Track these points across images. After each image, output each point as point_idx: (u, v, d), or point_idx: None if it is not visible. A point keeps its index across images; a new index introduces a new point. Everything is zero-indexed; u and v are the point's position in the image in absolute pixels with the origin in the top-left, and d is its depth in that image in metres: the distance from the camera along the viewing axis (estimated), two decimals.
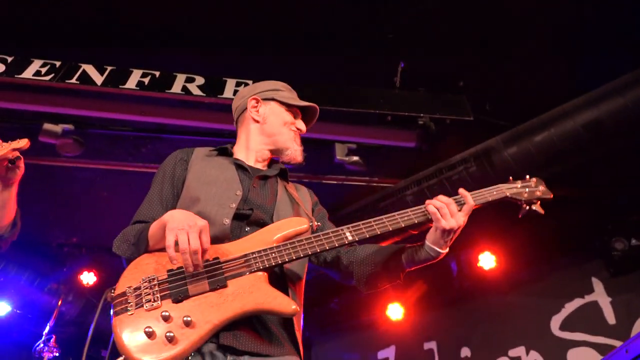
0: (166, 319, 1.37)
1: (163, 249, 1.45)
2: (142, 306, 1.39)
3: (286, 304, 1.44)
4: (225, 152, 1.91)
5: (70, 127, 3.98)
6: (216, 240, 1.56)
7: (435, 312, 5.48)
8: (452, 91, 4.08)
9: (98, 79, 3.69)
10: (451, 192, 4.44)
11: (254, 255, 1.51)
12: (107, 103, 3.82)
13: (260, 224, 1.67)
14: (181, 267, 1.46)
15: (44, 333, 4.91)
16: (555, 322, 4.61)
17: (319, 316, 6.18)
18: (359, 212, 4.67)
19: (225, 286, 1.45)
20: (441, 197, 1.66)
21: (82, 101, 3.87)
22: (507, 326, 4.91)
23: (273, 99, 1.96)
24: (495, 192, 1.75)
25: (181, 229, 1.41)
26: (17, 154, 2.06)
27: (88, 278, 5.43)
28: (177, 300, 1.41)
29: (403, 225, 1.66)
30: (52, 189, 4.72)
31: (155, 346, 1.33)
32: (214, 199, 1.67)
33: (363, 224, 1.64)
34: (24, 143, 2.06)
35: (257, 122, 1.94)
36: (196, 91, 3.73)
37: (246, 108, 1.97)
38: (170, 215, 1.49)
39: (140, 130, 4.16)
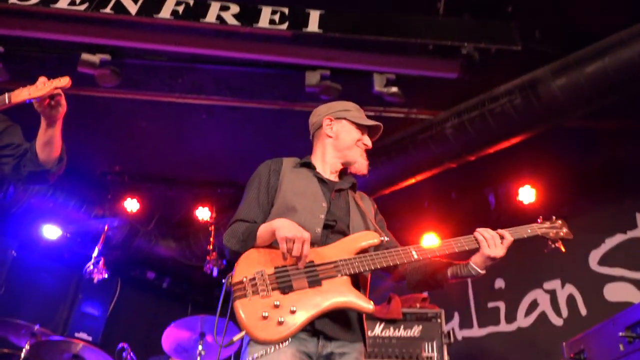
0: (277, 306, 1.76)
1: (267, 247, 1.89)
2: (258, 294, 1.78)
3: (366, 303, 1.84)
4: (308, 165, 2.24)
5: (107, 57, 3.98)
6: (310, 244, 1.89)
7: None
8: (500, 17, 3.83)
9: (132, 8, 3.62)
10: (493, 126, 4.33)
11: (342, 263, 1.89)
12: (142, 33, 3.78)
13: (341, 233, 2.03)
14: (285, 265, 1.85)
15: (92, 256, 5.19)
16: (594, 256, 4.56)
17: None
18: (397, 144, 4.60)
19: (320, 285, 1.83)
20: (489, 230, 2.00)
21: (118, 31, 3.83)
22: (543, 259, 4.87)
23: (345, 118, 2.26)
24: (529, 231, 2.12)
25: (291, 238, 1.77)
26: (57, 90, 2.08)
27: (131, 205, 5.62)
28: (284, 292, 1.79)
29: (457, 251, 1.98)
30: (93, 120, 4.81)
31: (269, 327, 1.73)
32: (306, 209, 2.02)
33: (427, 247, 2.00)
34: (65, 81, 2.07)
35: (331, 137, 2.26)
36: (231, 20, 3.63)
37: (321, 125, 2.29)
38: (281, 224, 1.84)
39: (175, 60, 4.12)
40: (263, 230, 1.90)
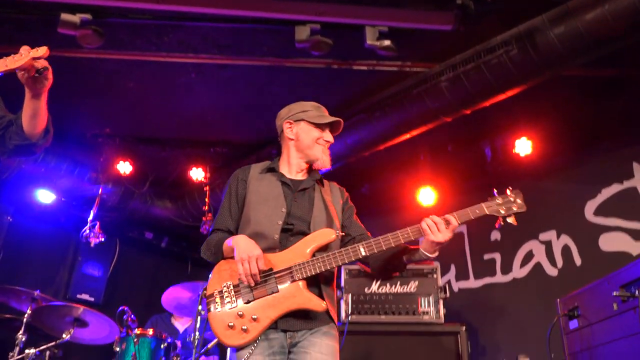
0: (241, 316, 2.08)
1: (233, 257, 2.15)
2: (224, 305, 2.11)
3: (317, 304, 2.10)
4: (273, 170, 2.43)
5: (88, 16, 3.82)
6: (269, 250, 2.18)
7: (467, 197, 5.48)
8: None
9: None
10: (489, 78, 4.22)
11: (296, 268, 2.12)
12: None
13: (301, 234, 2.24)
14: None
15: (88, 220, 5.19)
16: (590, 207, 4.57)
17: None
18: (391, 98, 4.50)
19: (277, 291, 2.11)
20: (433, 217, 2.13)
21: None
22: (540, 211, 4.89)
23: (303, 120, 2.42)
24: (477, 211, 2.18)
25: (244, 260, 2.07)
26: (43, 64, 2.01)
27: (124, 167, 5.56)
28: (247, 302, 2.11)
29: (403, 242, 2.15)
30: (80, 82, 4.67)
31: (235, 335, 2.07)
32: (265, 218, 2.25)
33: (374, 241, 2.16)
34: (43, 51, 1.99)
35: (292, 139, 2.44)
36: None
37: (283, 129, 2.46)
38: (237, 243, 2.14)
39: (161, 18, 3.96)
40: (227, 247, 2.21)
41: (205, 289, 2.18)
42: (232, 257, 2.15)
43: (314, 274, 2.12)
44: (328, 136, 2.42)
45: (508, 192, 2.24)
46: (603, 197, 4.52)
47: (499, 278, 4.95)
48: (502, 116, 4.67)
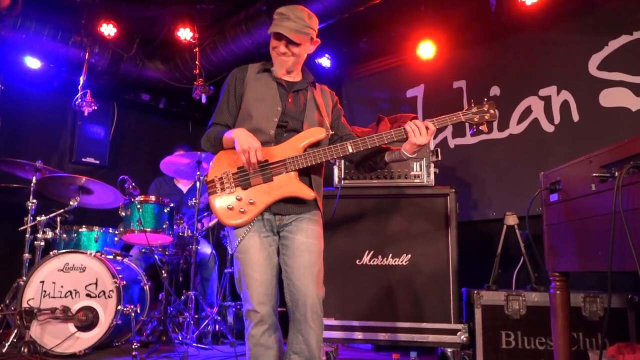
0: (239, 200, 2.35)
1: (232, 149, 2.38)
2: (225, 190, 2.37)
3: (307, 193, 2.37)
4: (269, 70, 2.54)
5: None
6: (265, 144, 2.38)
7: (467, 51, 5.25)
8: None
9: None
10: None
11: (289, 160, 2.35)
12: None
13: (294, 131, 2.45)
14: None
15: (79, 88, 5.09)
16: (594, 60, 4.36)
17: (348, 56, 6.05)
18: None
19: (272, 180, 2.36)
20: (417, 122, 2.36)
21: None
22: (542, 65, 4.71)
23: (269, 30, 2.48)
24: (454, 118, 2.43)
25: (245, 150, 2.27)
26: None
27: (108, 29, 5.29)
28: (244, 188, 2.36)
29: (386, 142, 2.39)
30: None
31: (234, 215, 2.34)
32: (262, 115, 2.43)
33: (360, 140, 2.38)
34: None
35: None
36: None
37: None
38: (237, 135, 2.32)
39: None
40: (227, 138, 2.39)
41: (206, 176, 2.43)
42: (231, 148, 2.38)
43: (305, 166, 2.36)
44: (280, 48, 2.46)
45: (484, 101, 2.45)
46: (609, 49, 4.28)
47: (495, 134, 4.92)
48: None
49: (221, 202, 2.36)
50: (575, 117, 4.43)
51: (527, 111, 4.74)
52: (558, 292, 2.44)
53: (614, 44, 4.26)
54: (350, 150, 2.37)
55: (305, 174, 2.44)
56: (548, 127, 4.59)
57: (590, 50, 4.37)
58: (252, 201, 2.34)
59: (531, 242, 3.46)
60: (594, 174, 2.01)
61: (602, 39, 4.31)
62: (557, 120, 4.55)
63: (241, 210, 2.33)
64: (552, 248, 2.45)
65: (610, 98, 4.24)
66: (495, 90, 4.98)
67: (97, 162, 6.40)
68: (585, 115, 4.38)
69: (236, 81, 2.56)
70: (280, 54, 2.47)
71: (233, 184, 2.37)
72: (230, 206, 2.33)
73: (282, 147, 2.40)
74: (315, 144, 2.43)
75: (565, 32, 4.57)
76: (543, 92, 4.65)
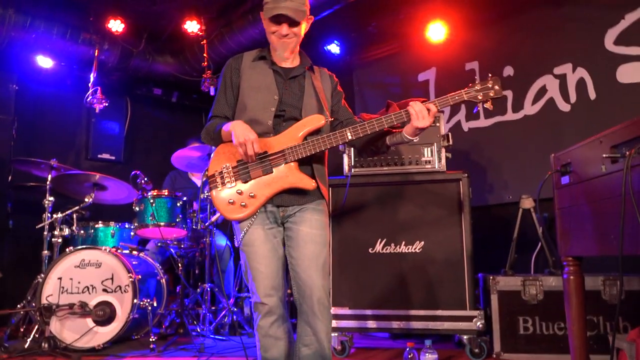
0: (239, 193, 2.31)
1: (232, 142, 2.29)
2: (225, 184, 2.33)
3: (308, 183, 2.32)
4: (265, 58, 2.49)
5: None
6: (264, 134, 2.34)
7: (479, 31, 5.12)
8: None
9: None
10: None
11: (288, 151, 2.30)
12: None
13: (293, 119, 2.39)
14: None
15: (89, 85, 5.12)
16: (610, 35, 4.21)
17: (357, 41, 5.96)
18: None
19: (271, 172, 2.31)
20: (418, 104, 2.24)
21: None
22: (556, 42, 4.56)
23: (263, 15, 2.40)
24: (457, 97, 2.29)
25: (242, 143, 2.22)
26: None
27: (116, 25, 5.30)
28: (245, 181, 2.32)
29: (386, 126, 2.30)
30: None
31: (235, 209, 2.31)
32: (259, 105, 2.38)
33: (359, 125, 2.29)
34: None
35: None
36: None
37: None
38: (234, 128, 2.27)
39: None
40: (225, 131, 2.35)
41: (207, 171, 2.38)
42: (230, 142, 2.32)
43: (304, 156, 2.30)
44: (283, 29, 2.37)
45: (489, 77, 2.32)
46: (626, 23, 4.13)
47: (510, 116, 4.81)
48: None
49: (222, 196, 2.32)
50: (592, 95, 4.29)
51: (542, 91, 4.61)
52: (572, 277, 2.38)
53: (630, 17, 4.10)
54: (350, 137, 2.30)
55: (306, 163, 2.38)
56: (564, 107, 4.47)
57: (606, 24, 4.22)
58: (252, 194, 2.30)
59: (547, 226, 3.38)
60: (604, 155, 1.93)
61: (618, 13, 4.15)
62: (573, 99, 4.42)
63: (242, 204, 2.29)
64: (565, 232, 2.38)
65: (628, 74, 4.09)
66: (508, 71, 4.86)
67: (113, 158, 6.47)
68: (603, 93, 4.24)
69: (232, 71, 2.50)
70: (283, 36, 2.38)
71: (233, 178, 2.33)
72: (232, 200, 2.30)
73: (280, 138, 2.35)
74: (316, 132, 2.37)
75: (579, 6, 4.43)
76: (558, 70, 4.52)
